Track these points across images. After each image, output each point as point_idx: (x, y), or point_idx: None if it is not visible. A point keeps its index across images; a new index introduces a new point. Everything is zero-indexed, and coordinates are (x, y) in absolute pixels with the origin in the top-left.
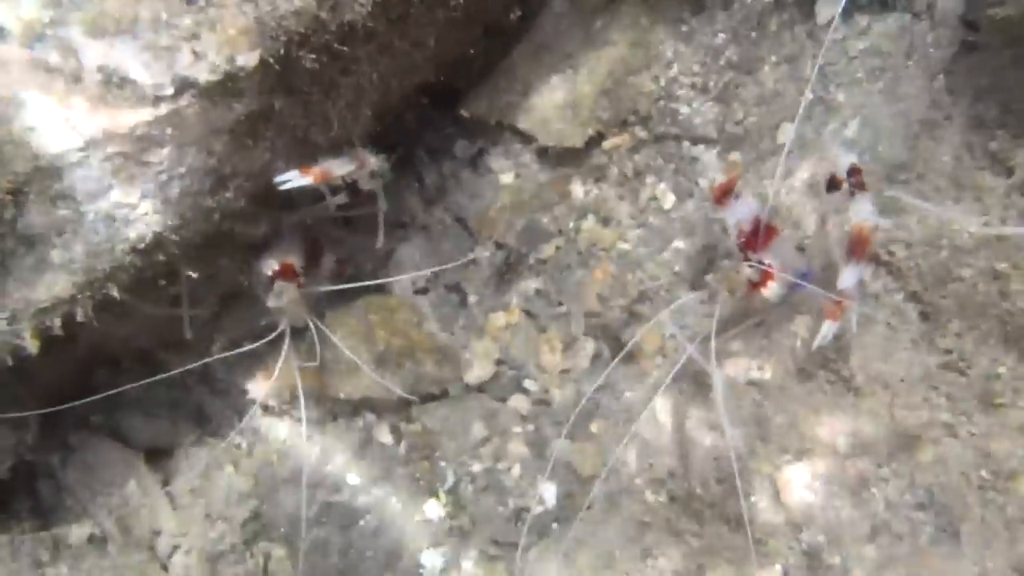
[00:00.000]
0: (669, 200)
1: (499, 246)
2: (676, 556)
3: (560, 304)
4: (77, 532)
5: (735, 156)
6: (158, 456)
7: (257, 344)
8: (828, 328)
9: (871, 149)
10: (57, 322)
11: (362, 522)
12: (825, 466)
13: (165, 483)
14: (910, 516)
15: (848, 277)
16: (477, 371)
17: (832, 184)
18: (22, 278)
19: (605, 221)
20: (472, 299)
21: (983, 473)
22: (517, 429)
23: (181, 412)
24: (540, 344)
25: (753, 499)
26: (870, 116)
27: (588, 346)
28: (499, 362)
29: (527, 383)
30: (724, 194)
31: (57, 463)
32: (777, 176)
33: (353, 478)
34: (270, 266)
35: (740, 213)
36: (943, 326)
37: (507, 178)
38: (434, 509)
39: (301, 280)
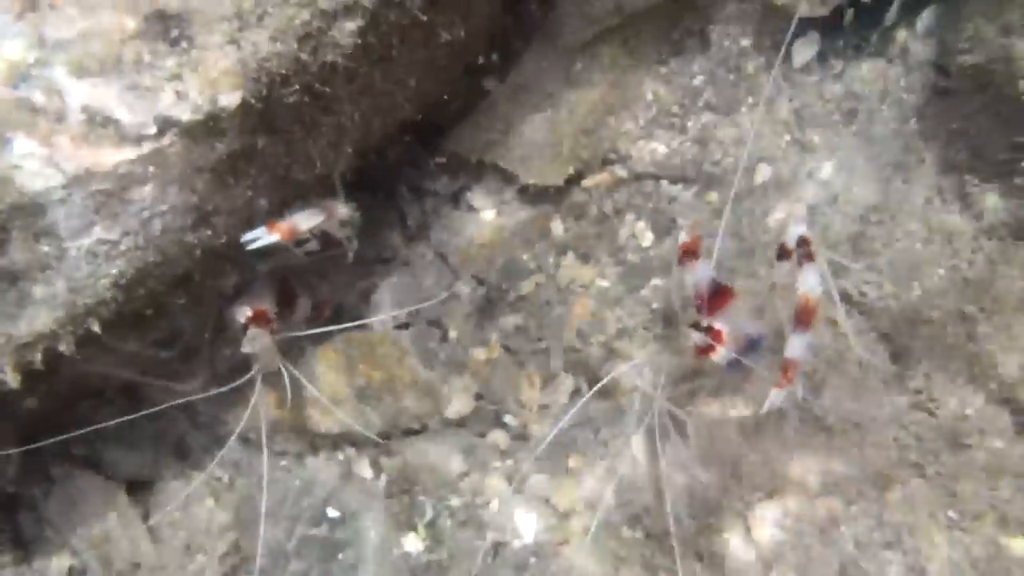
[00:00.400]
0: (647, 238)
1: (480, 282)
2: None
3: (539, 340)
4: (57, 564)
5: (712, 196)
6: (139, 488)
7: (233, 385)
8: (775, 396)
9: (845, 190)
10: (38, 357)
11: (341, 556)
12: (796, 504)
13: (145, 516)
14: (878, 555)
15: (794, 346)
16: (457, 406)
17: (782, 253)
18: (4, 312)
19: (584, 258)
20: (452, 334)
21: (950, 513)
22: (496, 464)
23: (163, 444)
24: (519, 379)
25: (725, 536)
26: (844, 158)
27: (567, 382)
28: (479, 397)
29: (506, 418)
30: (687, 254)
31: (39, 495)
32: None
33: (332, 511)
34: (243, 313)
35: (701, 274)
36: (913, 367)
37: (488, 215)
38: (413, 543)
39: (274, 326)
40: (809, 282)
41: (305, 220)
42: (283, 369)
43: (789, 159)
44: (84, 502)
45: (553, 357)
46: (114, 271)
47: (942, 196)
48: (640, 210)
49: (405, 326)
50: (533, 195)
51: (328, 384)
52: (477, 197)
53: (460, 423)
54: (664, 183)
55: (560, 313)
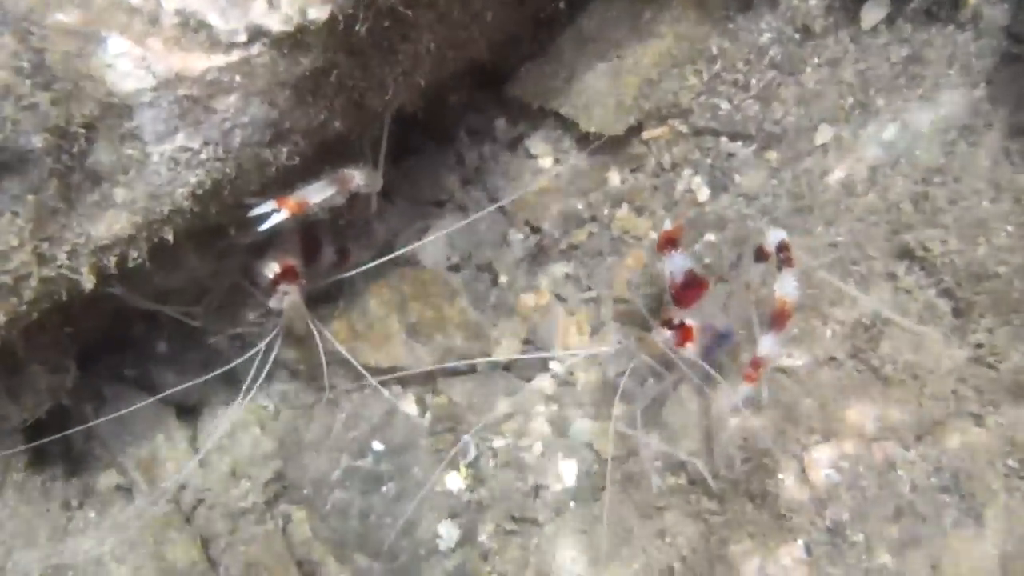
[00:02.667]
0: (704, 193)
1: (533, 229)
2: (693, 535)
3: (589, 289)
4: (105, 481)
5: (771, 155)
6: (187, 413)
7: (271, 337)
8: (744, 390)
9: (908, 153)
10: (113, 260)
11: (384, 488)
12: (852, 447)
13: (192, 439)
14: (935, 499)
15: (766, 346)
16: (505, 348)
17: (760, 255)
18: (85, 214)
19: (639, 210)
20: (503, 279)
21: (1009, 462)
22: (540, 408)
23: (212, 372)
24: (568, 326)
25: (780, 477)
26: (908, 120)
27: (614, 331)
28: (526, 341)
29: (552, 365)
30: (667, 243)
31: (90, 412)
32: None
33: (377, 444)
34: (271, 269)
35: (675, 265)
36: (975, 321)
37: (546, 163)
38: (454, 481)
39: (303, 282)
40: (787, 287)
41: (315, 194)
42: (311, 325)
43: (851, 121)
44: (134, 422)
45: (602, 306)
46: (193, 180)
47: (1010, 159)
48: (698, 165)
49: (456, 268)
50: (592, 145)
51: (379, 319)
52: (536, 144)
53: (507, 366)
54: (724, 139)
55: (612, 263)
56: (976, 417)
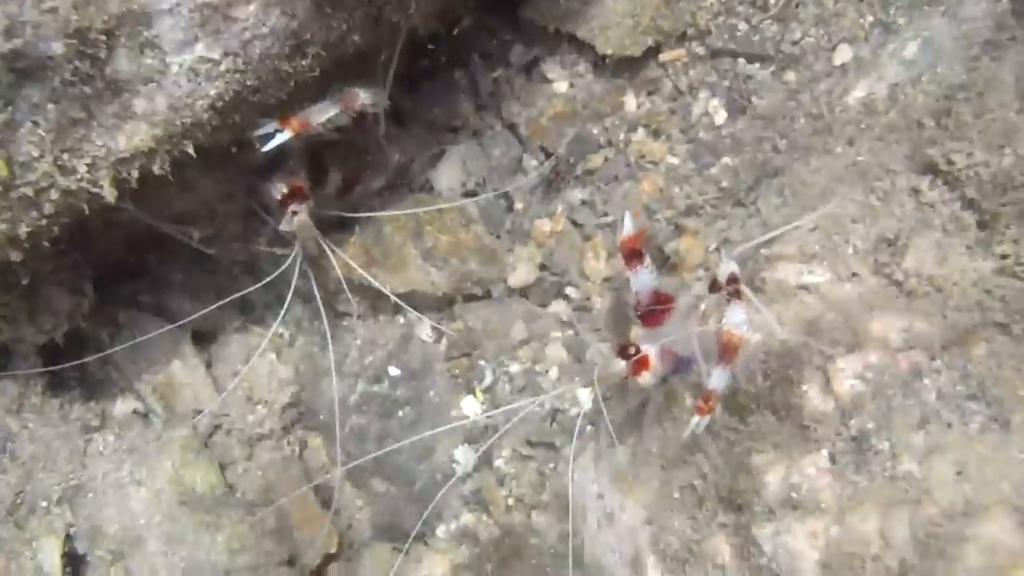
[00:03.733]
0: (721, 116)
1: (548, 154)
2: (713, 452)
3: (605, 215)
4: (121, 406)
5: (789, 76)
6: (202, 339)
7: (285, 266)
8: (695, 422)
9: (930, 70)
10: (135, 174)
11: (400, 413)
12: (877, 358)
13: (208, 366)
14: (961, 406)
15: (716, 379)
16: (521, 275)
17: (713, 286)
18: (105, 125)
19: (656, 134)
20: (518, 205)
21: None
22: (556, 334)
23: (225, 299)
24: (584, 251)
25: (803, 389)
26: (930, 38)
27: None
28: (542, 267)
29: (569, 290)
30: (632, 255)
31: (105, 338)
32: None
33: (393, 370)
34: (279, 189)
35: (641, 284)
36: (1000, 232)
37: (561, 87)
38: (471, 406)
39: (311, 202)
40: (734, 320)
41: (319, 113)
42: (323, 245)
43: (871, 40)
44: (150, 347)
45: (619, 231)
46: (212, 92)
47: None
48: (715, 88)
49: (472, 194)
50: (608, 68)
51: (395, 244)
52: (551, 68)
53: (523, 292)
54: (741, 61)
55: (628, 188)
56: (1002, 327)
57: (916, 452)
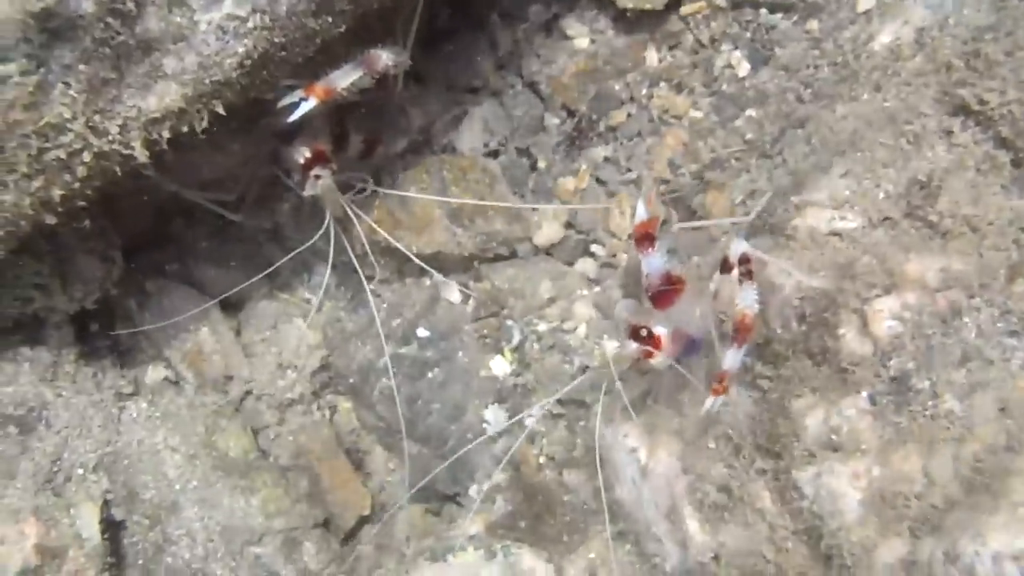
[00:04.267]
0: (744, 68)
1: (570, 112)
2: (746, 401)
3: (629, 171)
4: (152, 375)
5: (812, 25)
6: (230, 307)
7: (319, 234)
8: (711, 402)
9: (956, 12)
10: (166, 134)
11: (430, 374)
12: (915, 298)
13: (236, 333)
14: (1002, 342)
15: (731, 360)
16: (546, 233)
17: (725, 266)
18: (135, 85)
19: (678, 88)
20: (541, 164)
21: None
22: (584, 292)
23: (252, 266)
24: (610, 208)
25: (840, 332)
26: None
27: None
28: (567, 226)
29: (595, 247)
30: (644, 239)
31: (134, 307)
32: None
33: (422, 331)
34: (301, 154)
35: (652, 267)
36: None
37: (581, 43)
38: (500, 366)
39: (334, 166)
40: (747, 300)
41: (343, 78)
42: (348, 210)
43: None
44: (178, 315)
45: (644, 187)
46: (241, 50)
47: None
48: (737, 39)
49: (495, 154)
50: (628, 23)
51: (420, 205)
52: (571, 24)
53: (548, 251)
54: (763, 11)
55: (651, 144)
56: None
57: (958, 390)
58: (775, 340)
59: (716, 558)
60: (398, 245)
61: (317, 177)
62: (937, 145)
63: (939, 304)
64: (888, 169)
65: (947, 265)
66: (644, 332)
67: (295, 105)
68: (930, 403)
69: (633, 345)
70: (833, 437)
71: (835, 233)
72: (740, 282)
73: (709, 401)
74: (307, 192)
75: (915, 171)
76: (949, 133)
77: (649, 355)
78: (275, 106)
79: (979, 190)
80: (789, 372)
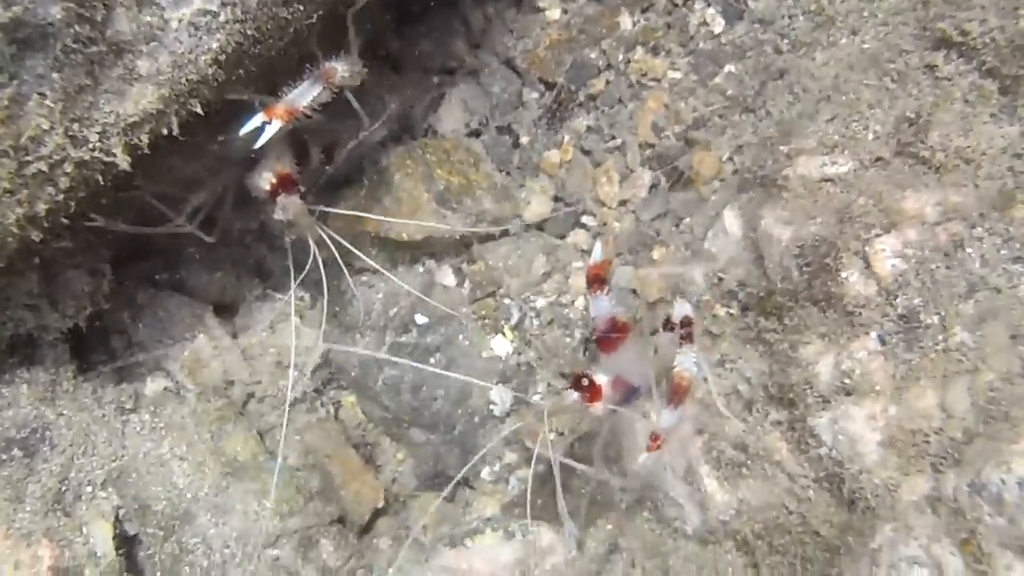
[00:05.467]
0: (719, 24)
1: (548, 85)
2: (754, 357)
3: (613, 138)
4: (152, 386)
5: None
6: (224, 311)
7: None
8: (644, 458)
9: None
10: (145, 139)
11: (432, 360)
12: (916, 234)
13: (233, 336)
14: (1008, 269)
15: (666, 419)
16: (535, 208)
17: (666, 324)
18: (112, 90)
19: (655, 51)
20: (524, 140)
21: None
22: (578, 264)
23: (243, 269)
24: (597, 177)
25: (843, 275)
26: None
27: (645, 176)
28: (556, 199)
29: (585, 219)
30: (595, 280)
31: (128, 319)
32: None
33: (420, 318)
34: (267, 180)
35: (601, 309)
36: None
37: (553, 14)
38: (501, 345)
39: (302, 188)
40: (685, 363)
41: (303, 96)
42: (321, 233)
43: None
44: (173, 324)
45: (629, 153)
46: (215, 45)
47: None
48: None
49: (476, 134)
50: None
51: (407, 191)
52: None
53: (539, 226)
54: None
55: (633, 109)
56: None
57: (967, 322)
58: (776, 292)
59: (737, 514)
60: (363, 257)
61: (284, 206)
62: (922, 81)
63: (940, 238)
64: (875, 110)
65: (944, 199)
66: (585, 381)
67: (260, 130)
68: (940, 337)
69: (574, 394)
70: (846, 381)
71: (827, 179)
72: (680, 344)
73: (643, 457)
74: (276, 217)
75: (902, 109)
76: (933, 68)
77: (590, 402)
78: (233, 129)
79: (969, 121)
80: (795, 321)
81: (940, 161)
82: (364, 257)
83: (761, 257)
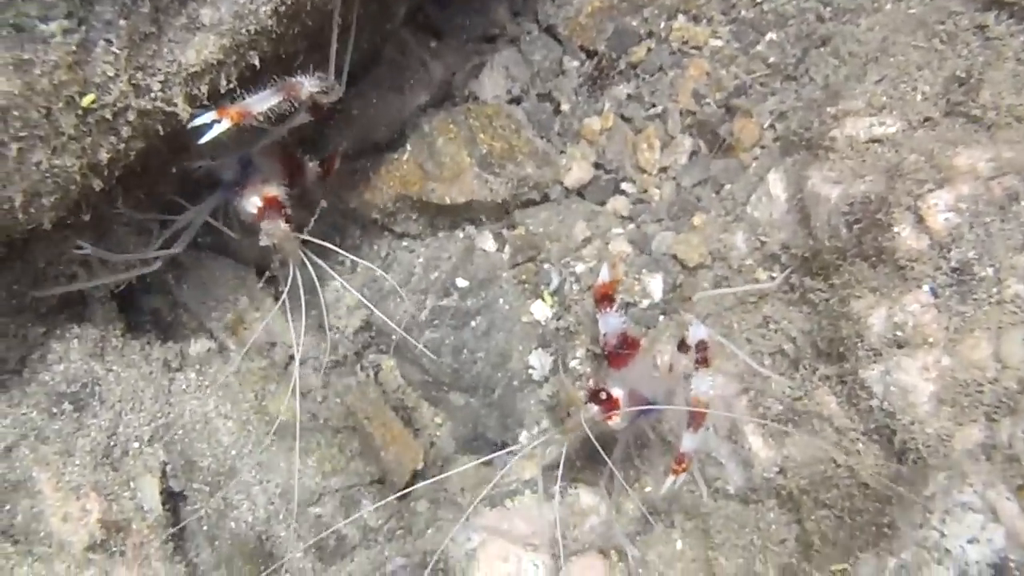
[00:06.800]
0: None
1: (589, 53)
2: (798, 318)
3: (654, 106)
4: (196, 347)
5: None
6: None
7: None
8: (671, 482)
9: None
10: (205, 89)
11: (473, 323)
12: (969, 188)
13: (275, 299)
14: None
15: (688, 443)
16: (576, 174)
17: (682, 346)
18: (175, 39)
19: (696, 19)
20: (565, 107)
21: None
22: (618, 230)
23: None
24: (638, 143)
25: (895, 230)
26: None
27: (685, 143)
28: (596, 166)
29: (625, 185)
30: (603, 299)
31: (172, 280)
32: None
33: (461, 281)
34: (253, 203)
35: (610, 326)
36: None
37: None
38: (541, 310)
39: (289, 212)
40: (702, 387)
41: (260, 103)
42: (305, 260)
43: None
44: (216, 286)
45: (670, 120)
46: None
47: None
48: None
49: (517, 101)
50: None
51: (450, 156)
52: None
53: (580, 192)
54: None
55: (674, 76)
56: None
57: (1021, 273)
58: (824, 251)
59: (782, 471)
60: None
61: (269, 231)
62: (972, 42)
63: (994, 192)
64: (923, 71)
65: (997, 154)
66: (603, 395)
67: (206, 127)
68: (994, 290)
69: (592, 408)
70: (898, 333)
71: (875, 140)
72: (696, 368)
73: (669, 480)
74: (262, 242)
75: (952, 69)
76: (983, 28)
77: (607, 417)
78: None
79: (1021, 79)
80: (845, 277)
81: (992, 119)
82: (344, 284)
83: (806, 218)
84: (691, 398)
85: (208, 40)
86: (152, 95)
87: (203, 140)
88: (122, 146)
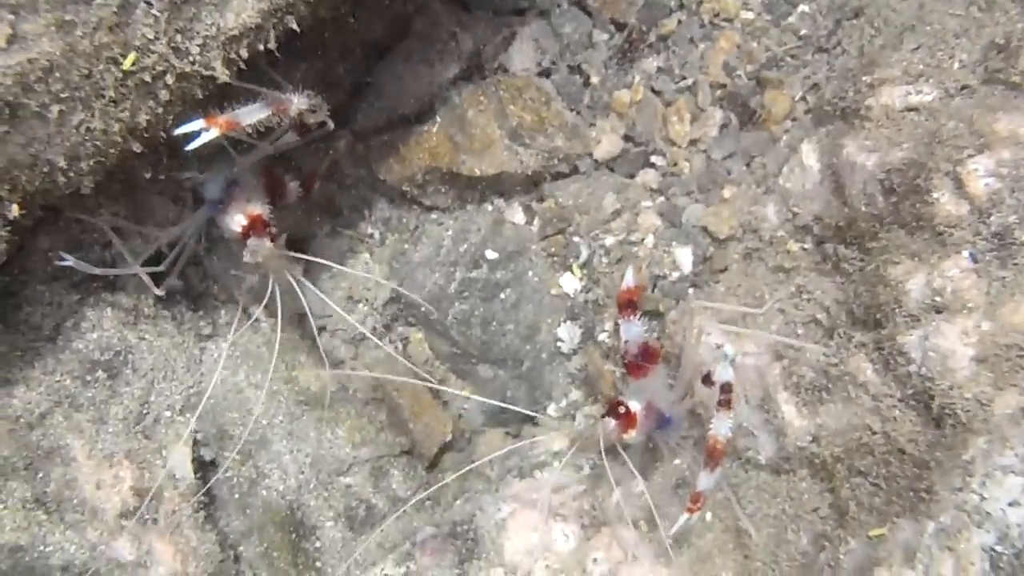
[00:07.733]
0: None
1: (618, 25)
2: (831, 288)
3: (684, 78)
4: (226, 317)
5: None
6: (294, 246)
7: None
8: (684, 519)
9: None
10: (243, 53)
11: (502, 295)
12: (1010, 153)
13: (304, 271)
14: None
15: (704, 482)
16: (605, 147)
17: (706, 380)
18: (213, 2)
19: None
20: (594, 80)
21: None
22: (648, 203)
23: (312, 205)
24: (668, 116)
25: (933, 196)
26: None
27: (716, 115)
28: (626, 139)
29: (655, 158)
30: (627, 305)
31: (202, 251)
32: None
33: (490, 253)
34: (237, 222)
35: (632, 334)
36: None
37: None
38: (570, 283)
39: (274, 230)
40: (721, 429)
41: (249, 115)
42: (292, 279)
43: None
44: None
45: (700, 93)
46: None
47: None
48: None
49: (547, 73)
50: None
51: (480, 127)
52: None
53: (609, 164)
54: None
55: (704, 49)
56: None
57: None
58: (859, 219)
59: (815, 440)
60: (336, 265)
61: (254, 249)
62: (1010, 9)
63: None
64: (961, 39)
65: None
66: (621, 408)
67: (193, 135)
68: None
69: (610, 423)
70: (937, 299)
71: (911, 108)
72: (717, 409)
73: (683, 518)
74: (247, 260)
75: (990, 37)
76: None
77: (624, 431)
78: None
79: None
80: (882, 244)
81: None
82: (326, 299)
83: (840, 187)
84: (709, 437)
85: (247, 3)
86: (191, 58)
87: (190, 147)
88: (160, 110)
